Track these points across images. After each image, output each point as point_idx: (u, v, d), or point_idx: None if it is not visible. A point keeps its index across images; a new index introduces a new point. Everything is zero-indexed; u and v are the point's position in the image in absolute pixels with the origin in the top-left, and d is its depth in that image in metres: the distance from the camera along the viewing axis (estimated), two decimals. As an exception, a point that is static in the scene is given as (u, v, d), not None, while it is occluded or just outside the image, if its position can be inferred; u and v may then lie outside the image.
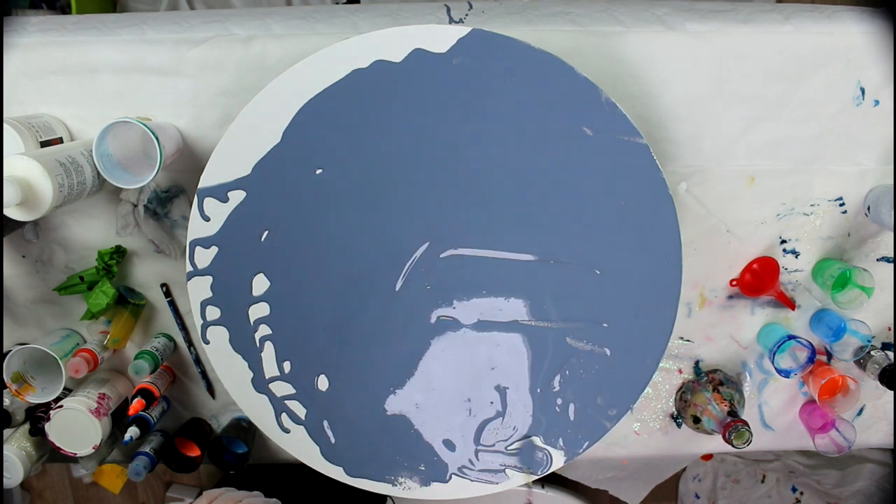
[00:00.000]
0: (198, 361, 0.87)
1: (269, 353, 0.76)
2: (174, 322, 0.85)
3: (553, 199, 0.72)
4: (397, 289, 0.75)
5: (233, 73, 0.75)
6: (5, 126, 0.68)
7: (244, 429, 0.88)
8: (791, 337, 0.86)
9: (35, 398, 0.78)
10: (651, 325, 0.76)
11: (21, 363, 0.78)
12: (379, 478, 0.80)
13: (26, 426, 0.87)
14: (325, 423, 0.79)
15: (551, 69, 0.69)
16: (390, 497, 0.81)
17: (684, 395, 0.92)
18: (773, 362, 0.86)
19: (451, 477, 0.80)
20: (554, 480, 1.47)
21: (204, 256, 0.74)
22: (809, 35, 0.77)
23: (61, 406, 0.79)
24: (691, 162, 0.82)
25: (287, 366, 0.77)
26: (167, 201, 0.79)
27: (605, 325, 0.76)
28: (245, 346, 0.76)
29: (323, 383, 0.77)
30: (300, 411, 0.78)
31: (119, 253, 0.81)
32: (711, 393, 0.88)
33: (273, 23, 0.75)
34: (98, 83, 0.75)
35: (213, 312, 0.75)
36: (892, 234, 0.87)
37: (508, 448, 0.79)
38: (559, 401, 0.78)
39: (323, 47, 0.68)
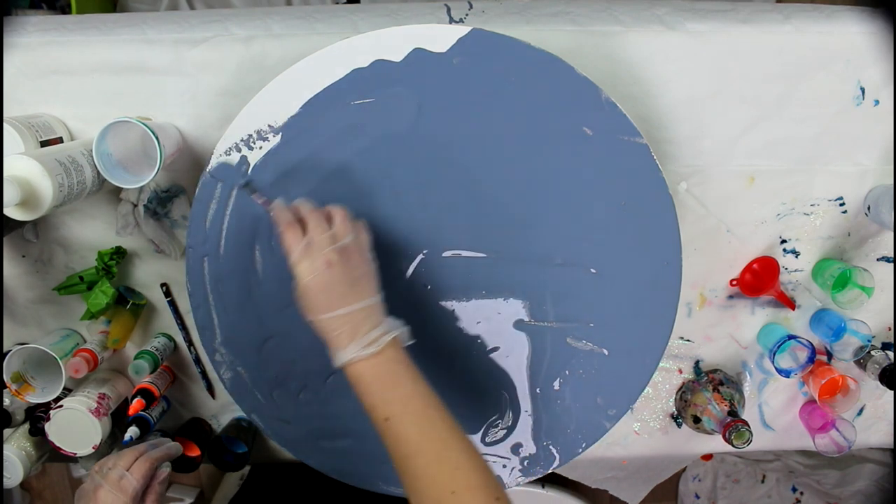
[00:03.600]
0: (198, 361, 0.87)
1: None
2: (174, 322, 0.85)
3: (553, 199, 0.72)
4: (397, 288, 0.75)
5: (233, 73, 0.75)
6: (5, 126, 0.68)
7: (244, 429, 0.88)
8: (791, 337, 0.86)
9: (35, 398, 0.78)
10: (651, 325, 0.76)
11: (21, 363, 0.78)
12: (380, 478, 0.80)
13: (26, 426, 0.87)
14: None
15: (551, 69, 0.69)
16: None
17: (684, 395, 0.92)
18: (773, 362, 0.86)
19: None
20: (554, 480, 1.47)
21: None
22: (809, 35, 0.77)
23: (61, 406, 0.79)
24: (691, 162, 0.82)
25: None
26: (167, 201, 0.79)
27: (604, 325, 0.76)
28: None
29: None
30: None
31: (119, 253, 0.81)
32: (711, 393, 0.88)
33: (273, 23, 0.75)
34: (98, 83, 0.75)
35: (213, 312, 0.75)
36: (892, 233, 0.87)
37: (510, 448, 0.79)
38: (559, 401, 0.78)
39: (323, 47, 0.68)
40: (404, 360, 0.60)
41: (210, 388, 0.89)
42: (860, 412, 0.97)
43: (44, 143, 0.71)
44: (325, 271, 0.59)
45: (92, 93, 0.75)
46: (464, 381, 0.77)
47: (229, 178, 0.71)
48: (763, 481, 1.84)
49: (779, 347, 0.85)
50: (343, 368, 0.59)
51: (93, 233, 0.81)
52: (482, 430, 0.79)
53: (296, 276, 0.60)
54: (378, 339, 0.58)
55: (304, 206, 0.64)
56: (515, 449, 0.80)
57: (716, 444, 0.93)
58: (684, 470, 1.89)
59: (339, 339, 0.58)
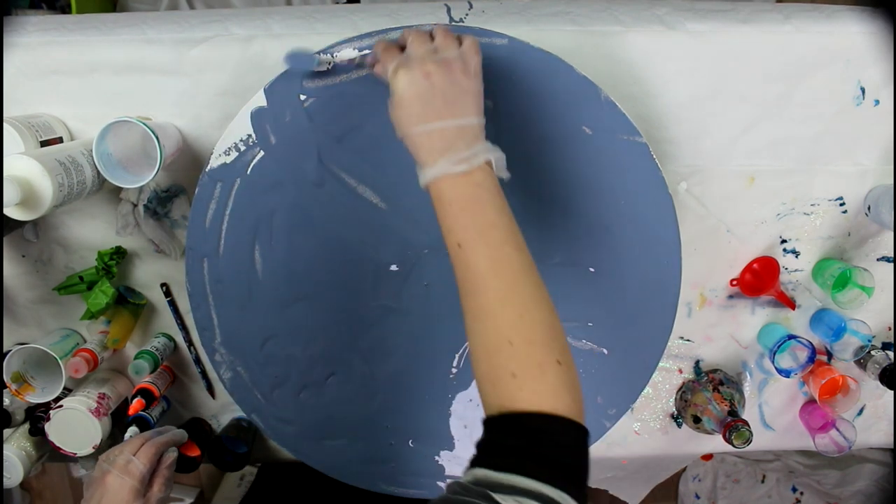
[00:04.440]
0: (198, 361, 0.87)
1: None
2: (174, 322, 0.85)
3: (552, 198, 0.72)
4: (396, 286, 0.75)
5: (233, 73, 0.75)
6: (5, 126, 0.68)
7: (244, 429, 0.88)
8: (791, 337, 0.86)
9: (35, 398, 0.78)
10: (651, 325, 0.76)
11: (21, 363, 0.78)
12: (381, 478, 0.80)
13: (26, 426, 0.87)
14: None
15: (551, 68, 0.68)
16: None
17: (684, 395, 0.92)
18: (773, 362, 0.86)
19: (453, 475, 0.80)
20: (554, 480, 1.47)
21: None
22: (809, 35, 0.77)
23: (61, 406, 0.79)
24: (691, 162, 0.82)
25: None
26: (167, 201, 0.79)
27: (604, 324, 0.76)
28: (245, 345, 0.76)
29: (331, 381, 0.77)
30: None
31: (119, 253, 0.81)
32: (711, 393, 0.88)
33: (273, 23, 0.75)
34: (98, 83, 0.75)
35: (213, 312, 0.75)
36: (892, 233, 0.87)
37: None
38: (559, 401, 0.78)
39: (322, 47, 0.68)
40: (492, 188, 0.54)
41: (210, 388, 0.89)
42: (860, 412, 0.97)
43: (44, 143, 0.71)
44: (422, 81, 0.54)
45: (92, 93, 0.75)
46: (465, 379, 0.77)
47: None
48: (763, 481, 1.84)
49: (779, 347, 0.85)
50: (428, 189, 0.55)
51: (93, 233, 0.81)
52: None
53: (392, 90, 0.56)
54: (469, 158, 0.53)
55: (405, 33, 0.59)
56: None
57: (716, 444, 0.93)
58: (684, 470, 1.89)
59: (428, 154, 0.54)
